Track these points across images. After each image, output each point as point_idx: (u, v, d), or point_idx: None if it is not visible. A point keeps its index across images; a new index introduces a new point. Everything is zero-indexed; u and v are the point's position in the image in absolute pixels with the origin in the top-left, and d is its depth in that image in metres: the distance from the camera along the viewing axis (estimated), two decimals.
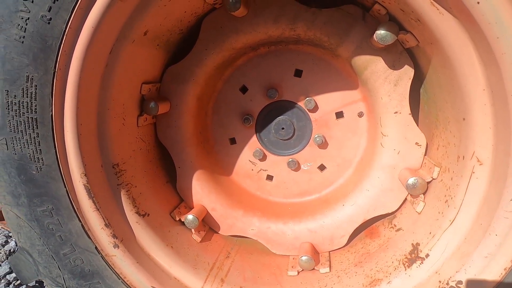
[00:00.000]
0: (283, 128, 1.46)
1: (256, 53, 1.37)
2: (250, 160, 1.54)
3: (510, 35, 0.65)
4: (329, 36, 1.14)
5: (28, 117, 0.97)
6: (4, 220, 1.24)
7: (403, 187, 1.14)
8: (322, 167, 1.46)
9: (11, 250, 2.15)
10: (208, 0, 1.09)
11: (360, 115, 1.35)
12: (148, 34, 1.06)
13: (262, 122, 1.48)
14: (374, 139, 1.29)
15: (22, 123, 0.97)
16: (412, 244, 1.03)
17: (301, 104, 1.40)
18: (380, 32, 0.97)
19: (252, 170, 1.55)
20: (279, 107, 1.44)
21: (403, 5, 0.83)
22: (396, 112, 1.14)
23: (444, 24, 0.76)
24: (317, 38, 1.17)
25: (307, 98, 1.37)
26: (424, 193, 1.08)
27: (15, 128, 0.98)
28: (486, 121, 0.79)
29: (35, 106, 0.96)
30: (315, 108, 1.38)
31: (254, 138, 1.50)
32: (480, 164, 0.82)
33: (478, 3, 0.65)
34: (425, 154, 1.15)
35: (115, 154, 1.16)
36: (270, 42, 1.30)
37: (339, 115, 1.38)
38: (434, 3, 0.74)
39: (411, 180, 1.06)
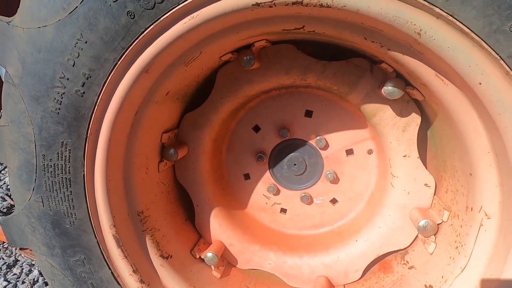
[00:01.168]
0: (295, 165, 1.52)
1: (268, 95, 1.44)
2: (264, 194, 1.60)
3: (511, 112, 0.71)
4: (338, 86, 1.20)
5: (62, 177, 1.05)
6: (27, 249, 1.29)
7: (414, 226, 1.19)
8: (334, 201, 1.52)
9: (35, 279, 2.24)
10: (223, 58, 1.16)
11: (370, 152, 1.41)
12: (169, 94, 1.14)
13: (275, 158, 1.54)
14: (384, 175, 1.35)
15: (57, 183, 1.05)
16: (425, 285, 1.08)
17: (312, 142, 1.47)
18: (388, 88, 1.03)
19: (266, 203, 1.61)
20: (291, 145, 1.50)
21: (409, 71, 0.89)
22: (405, 156, 1.19)
23: (448, 93, 0.82)
24: (327, 87, 1.23)
25: (318, 137, 1.43)
26: (435, 234, 1.14)
27: (51, 188, 1.06)
28: (492, 180, 0.84)
29: (69, 167, 1.03)
30: (325, 146, 1.45)
31: (268, 174, 1.56)
32: (488, 218, 0.87)
33: (480, 84, 0.71)
34: (434, 194, 1.20)
35: (140, 202, 1.23)
36: (281, 87, 1.37)
37: (349, 152, 1.43)
38: (439, 75, 0.80)
39: (422, 222, 1.11)
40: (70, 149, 1.01)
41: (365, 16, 0.75)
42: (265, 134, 1.51)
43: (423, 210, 1.20)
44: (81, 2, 0.83)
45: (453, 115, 0.86)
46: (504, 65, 0.66)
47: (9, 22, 0.95)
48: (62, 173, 1.04)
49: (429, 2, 0.67)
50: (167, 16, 0.82)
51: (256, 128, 1.52)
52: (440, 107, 0.93)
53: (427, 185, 1.19)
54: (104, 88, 0.94)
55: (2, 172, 3.80)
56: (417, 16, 0.70)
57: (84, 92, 0.94)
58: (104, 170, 1.06)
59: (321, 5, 0.76)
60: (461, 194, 1.00)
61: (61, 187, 1.06)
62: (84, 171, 1.04)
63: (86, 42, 0.87)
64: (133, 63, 0.91)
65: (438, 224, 1.12)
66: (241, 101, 1.35)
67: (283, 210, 1.60)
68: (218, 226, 1.51)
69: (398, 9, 0.70)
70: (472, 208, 0.93)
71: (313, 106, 1.42)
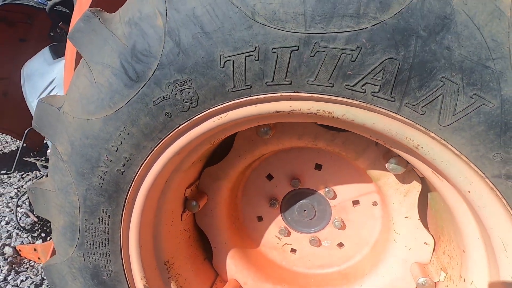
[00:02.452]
0: (305, 211, 1.64)
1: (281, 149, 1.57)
2: (276, 235, 1.73)
3: (496, 217, 0.82)
4: (347, 152, 1.32)
5: (102, 237, 1.19)
6: None
7: (414, 281, 1.31)
8: (341, 244, 1.64)
9: None
10: None
11: (375, 204, 1.52)
12: (195, 161, 1.28)
13: (286, 204, 1.67)
14: (388, 226, 1.46)
15: (97, 242, 1.20)
16: None
17: (321, 192, 1.59)
18: (391, 164, 1.15)
19: (278, 243, 1.74)
20: (302, 193, 1.63)
21: (409, 162, 1.01)
22: (406, 217, 1.31)
23: (443, 187, 0.93)
24: (336, 152, 1.36)
25: (327, 189, 1.55)
26: None
27: (91, 246, 1.21)
28: (483, 261, 0.95)
29: (108, 229, 1.18)
30: (334, 196, 1.57)
31: (279, 218, 1.69)
32: None
33: (469, 192, 0.82)
34: (433, 251, 1.32)
35: (166, 253, 1.38)
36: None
37: (356, 202, 1.55)
38: (435, 173, 0.92)
39: (421, 280, 1.23)
40: (109, 215, 1.16)
41: (370, 129, 0.87)
42: (278, 182, 1.63)
43: (423, 266, 1.31)
44: (126, 103, 0.97)
45: (447, 201, 0.97)
46: (489, 182, 0.77)
47: (60, 108, 1.10)
48: (101, 234, 1.19)
49: (425, 128, 0.78)
50: (199, 117, 0.96)
51: (270, 177, 1.64)
52: (437, 189, 1.04)
53: (426, 243, 1.31)
54: (141, 168, 1.08)
55: (24, 186, 4.00)
56: (415, 135, 0.81)
57: (124, 171, 1.08)
58: (137, 231, 1.21)
59: (333, 117, 0.88)
60: (455, 262, 1.12)
61: (100, 245, 1.21)
62: (120, 232, 1.19)
63: (128, 134, 1.01)
64: (167, 148, 1.05)
65: (435, 282, 1.24)
66: (256, 157, 1.48)
67: (293, 250, 1.73)
68: (234, 266, 1.65)
69: (399, 127, 0.82)
70: (464, 279, 1.04)
71: (323, 160, 1.54)
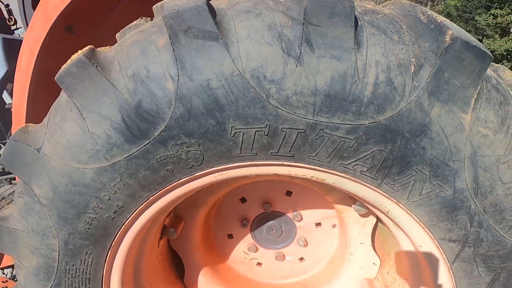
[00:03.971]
0: (273, 230, 1.80)
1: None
2: (244, 251, 1.86)
3: (437, 265, 1.07)
4: (319, 188, 1.49)
5: (83, 277, 1.16)
6: None
7: None
8: (301, 259, 1.85)
9: None
10: None
11: (334, 226, 1.75)
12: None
13: (256, 224, 1.80)
14: (344, 245, 1.71)
15: (77, 281, 1.17)
16: None
17: (289, 215, 1.75)
18: (356, 206, 1.35)
19: (245, 258, 1.88)
20: (272, 215, 1.77)
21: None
22: (361, 243, 1.56)
23: (398, 234, 1.16)
24: (309, 187, 1.51)
25: (295, 213, 1.72)
26: None
27: (69, 285, 1.17)
28: None
29: (90, 270, 1.16)
30: (300, 219, 1.75)
31: (249, 236, 1.82)
32: None
33: (421, 246, 1.05)
34: (379, 268, 1.60)
35: (144, 281, 1.40)
36: None
37: (318, 224, 1.76)
38: (396, 225, 1.13)
39: None
40: (93, 257, 1.13)
41: (353, 193, 1.03)
42: (250, 205, 1.74)
43: (370, 281, 1.59)
44: (126, 157, 0.95)
45: (399, 244, 1.21)
46: (436, 242, 1.00)
47: (39, 149, 1.02)
48: (82, 274, 1.16)
49: (396, 200, 0.97)
50: (201, 173, 1.00)
51: (243, 200, 1.74)
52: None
53: (374, 263, 1.58)
54: (132, 214, 1.07)
55: None
56: (388, 204, 1.00)
57: (114, 217, 1.07)
58: (121, 269, 1.21)
59: (323, 182, 1.01)
60: (398, 285, 1.39)
61: (80, 285, 1.18)
62: (103, 272, 1.17)
63: (124, 185, 1.00)
64: (163, 197, 1.07)
65: None
66: (235, 186, 1.56)
67: (259, 264, 1.89)
68: (205, 283, 1.74)
69: (376, 197, 1.00)
70: None
71: (294, 188, 1.69)
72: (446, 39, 0.82)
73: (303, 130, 0.88)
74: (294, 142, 0.90)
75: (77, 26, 1.69)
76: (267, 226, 1.80)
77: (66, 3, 1.29)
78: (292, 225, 1.79)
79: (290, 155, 0.93)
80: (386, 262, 1.53)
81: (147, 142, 0.93)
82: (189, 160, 0.96)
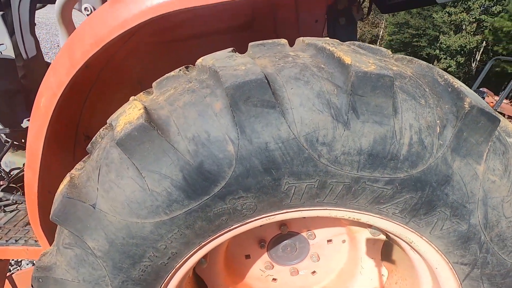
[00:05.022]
0: (288, 248, 1.94)
1: None
2: (261, 269, 1.98)
3: (449, 284, 1.26)
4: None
5: None
6: None
7: None
8: (314, 272, 2.01)
9: None
10: None
11: (343, 241, 1.92)
12: None
13: (272, 244, 1.92)
14: (354, 259, 1.89)
15: None
16: None
17: (303, 234, 1.90)
18: (373, 230, 1.52)
19: (262, 275, 2.00)
20: (287, 235, 1.90)
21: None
22: (372, 259, 1.74)
23: (414, 256, 1.34)
24: None
25: (309, 232, 1.87)
26: None
27: None
28: None
29: None
30: (313, 237, 1.90)
31: (265, 255, 1.94)
32: None
33: (436, 268, 1.23)
34: (387, 278, 1.80)
35: None
36: None
37: (329, 241, 1.92)
38: (412, 248, 1.31)
39: None
40: None
41: (382, 228, 1.18)
42: (268, 228, 1.86)
43: None
44: (185, 211, 1.02)
45: (414, 263, 1.40)
46: (450, 265, 1.19)
47: (93, 205, 1.06)
48: None
49: (420, 234, 1.14)
50: (252, 220, 1.10)
51: None
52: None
53: (383, 275, 1.77)
54: (184, 258, 1.15)
55: None
56: (412, 236, 1.17)
57: (167, 263, 1.14)
58: None
59: (358, 221, 1.16)
60: None
61: None
62: None
63: (181, 234, 1.07)
64: (213, 241, 1.15)
65: None
66: None
67: (274, 279, 2.02)
68: None
69: (402, 231, 1.16)
70: None
71: None
72: (465, 106, 0.98)
73: (348, 183, 1.01)
74: (339, 192, 1.03)
75: (104, 72, 1.70)
76: (282, 245, 1.93)
77: (94, 51, 1.31)
78: (306, 242, 1.93)
79: (334, 202, 1.06)
80: (393, 273, 1.73)
81: (206, 198, 1.01)
82: (243, 211, 1.06)
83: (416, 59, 1.19)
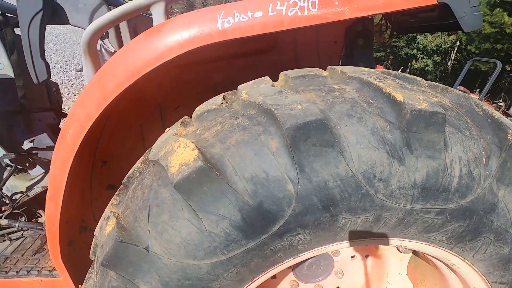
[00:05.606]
0: (313, 266, 1.95)
1: None
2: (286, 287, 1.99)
3: None
4: None
5: None
6: None
7: None
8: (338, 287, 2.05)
9: None
10: None
11: (366, 257, 1.96)
12: None
13: (298, 263, 1.94)
14: (382, 274, 1.93)
15: None
16: None
17: (329, 252, 1.92)
18: (404, 249, 1.56)
19: None
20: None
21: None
22: (399, 274, 1.79)
23: (449, 275, 1.39)
24: None
25: (334, 250, 1.90)
26: None
27: None
28: None
29: None
30: (337, 254, 1.93)
31: (291, 274, 1.95)
32: None
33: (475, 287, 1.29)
34: None
35: None
36: None
37: (353, 257, 1.96)
38: (449, 268, 1.36)
39: None
40: None
41: (426, 253, 1.22)
42: None
43: None
44: (243, 251, 1.02)
45: (447, 280, 1.45)
46: (489, 285, 1.24)
47: (147, 248, 1.03)
48: None
49: (463, 258, 1.18)
50: (304, 253, 1.11)
51: None
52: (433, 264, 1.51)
53: None
54: None
55: None
56: (455, 260, 1.21)
57: None
58: None
59: (404, 248, 1.19)
60: None
61: None
62: None
63: (236, 273, 1.06)
64: (264, 275, 1.15)
65: None
66: None
67: None
68: None
69: (446, 255, 1.20)
70: None
71: None
72: (508, 137, 1.03)
73: (402, 215, 1.04)
74: (391, 224, 1.06)
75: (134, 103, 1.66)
76: (308, 264, 1.95)
77: (128, 84, 1.28)
78: (330, 260, 1.96)
79: (385, 233, 1.09)
80: (418, 287, 1.79)
81: (265, 236, 1.01)
82: (298, 246, 1.06)
83: (451, 88, 1.24)
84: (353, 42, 1.83)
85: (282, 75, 1.37)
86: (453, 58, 38.10)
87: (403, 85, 1.13)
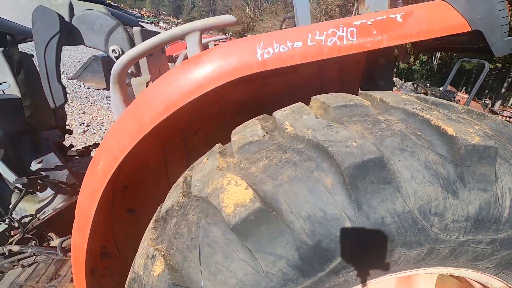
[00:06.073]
0: None
1: None
2: None
3: None
4: None
5: None
6: None
7: None
8: None
9: None
10: None
11: None
12: None
13: None
14: None
15: None
16: None
17: None
18: None
19: None
20: None
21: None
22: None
23: None
24: None
25: None
26: None
27: None
28: None
29: None
30: None
31: None
32: None
33: None
34: None
35: None
36: None
37: None
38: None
39: None
40: None
41: (470, 278, 1.24)
42: None
43: None
44: (307, 283, 1.01)
45: None
46: None
47: None
48: None
49: (506, 282, 1.20)
50: (355, 286, 1.11)
51: None
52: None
53: None
54: None
55: None
56: (497, 283, 1.23)
57: None
58: None
59: (450, 275, 1.20)
60: None
61: None
62: None
63: None
64: None
65: None
66: None
67: None
68: None
69: (490, 280, 1.22)
70: None
71: None
72: None
73: (454, 247, 1.05)
74: (443, 255, 1.07)
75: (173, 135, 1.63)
76: None
77: (165, 116, 1.26)
78: None
79: (436, 263, 1.10)
80: None
81: (321, 274, 1.00)
82: (352, 281, 1.06)
83: (487, 114, 1.26)
84: (375, 61, 1.85)
85: (316, 101, 1.37)
86: (438, 57, 39.01)
87: (448, 115, 1.14)
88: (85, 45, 1.98)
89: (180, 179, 1.39)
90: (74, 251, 1.60)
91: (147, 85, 2.14)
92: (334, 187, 0.98)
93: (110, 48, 1.97)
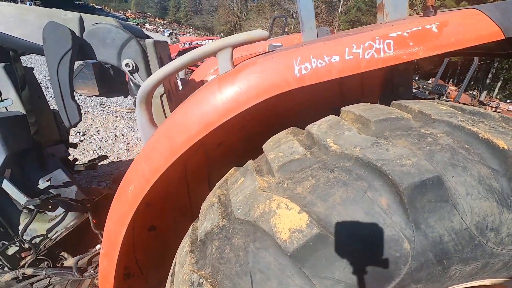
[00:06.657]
0: None
1: None
2: None
3: None
4: None
5: None
6: None
7: None
8: None
9: None
10: None
11: None
12: None
13: None
14: None
15: None
16: None
17: None
18: None
19: None
20: None
21: None
22: None
23: None
24: None
25: None
26: None
27: None
28: None
29: None
30: None
31: None
32: None
33: None
34: None
35: None
36: None
37: None
38: None
39: None
40: None
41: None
42: None
43: None
44: None
45: None
46: None
47: None
48: None
49: None
50: None
51: None
52: None
53: None
54: None
55: None
56: None
57: None
58: None
59: None
60: None
61: None
62: None
63: None
64: None
65: None
66: None
67: None
68: None
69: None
70: None
71: None
72: None
73: (508, 260, 1.04)
74: (495, 268, 1.06)
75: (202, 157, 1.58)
76: None
77: (200, 136, 1.22)
78: None
79: (487, 276, 1.09)
80: None
81: None
82: None
83: None
84: (394, 67, 1.84)
85: (350, 113, 1.34)
86: None
87: (495, 127, 1.14)
88: (96, 59, 1.91)
89: (213, 199, 1.35)
90: (102, 277, 1.55)
91: (161, 98, 2.08)
92: (390, 207, 0.96)
93: (124, 62, 1.90)
